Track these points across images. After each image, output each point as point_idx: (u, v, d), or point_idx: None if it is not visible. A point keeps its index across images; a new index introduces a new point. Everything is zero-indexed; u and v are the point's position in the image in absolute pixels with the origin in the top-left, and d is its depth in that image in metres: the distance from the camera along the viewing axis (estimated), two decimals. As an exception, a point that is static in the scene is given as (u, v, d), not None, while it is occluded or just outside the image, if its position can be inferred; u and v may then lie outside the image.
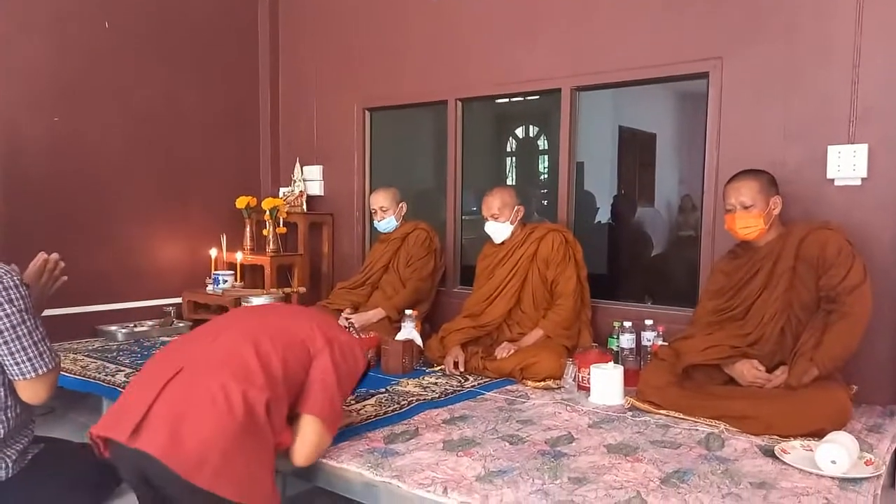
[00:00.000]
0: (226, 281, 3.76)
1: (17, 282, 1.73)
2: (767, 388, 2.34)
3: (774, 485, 1.80)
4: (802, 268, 2.43)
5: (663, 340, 2.86)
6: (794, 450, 2.02)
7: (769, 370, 2.38)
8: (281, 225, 4.07)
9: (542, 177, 4.34)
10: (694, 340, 2.51)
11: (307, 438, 1.81)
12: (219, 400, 1.61)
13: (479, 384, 2.81)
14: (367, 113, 4.21)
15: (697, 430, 2.24)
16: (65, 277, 1.95)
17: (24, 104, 3.40)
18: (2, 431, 1.79)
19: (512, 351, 2.93)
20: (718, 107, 2.95)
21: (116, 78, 3.78)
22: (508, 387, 2.78)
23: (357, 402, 2.51)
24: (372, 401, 2.53)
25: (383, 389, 2.69)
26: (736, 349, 2.44)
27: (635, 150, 4.06)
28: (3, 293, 1.69)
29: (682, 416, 2.34)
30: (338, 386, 1.85)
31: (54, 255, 2.00)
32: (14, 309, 1.71)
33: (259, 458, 1.65)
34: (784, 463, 1.94)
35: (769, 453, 2.02)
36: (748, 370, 2.39)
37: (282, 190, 4.45)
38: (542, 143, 4.46)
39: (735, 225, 2.50)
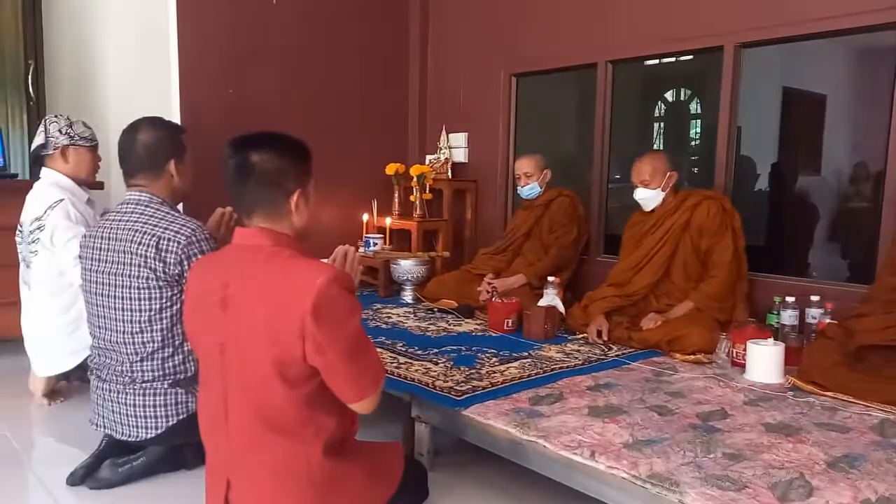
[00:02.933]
0: (376, 244, 3.94)
1: (207, 236, 1.96)
2: (958, 375, 2.10)
3: (964, 479, 1.62)
4: None
5: (831, 318, 2.64)
6: None
7: (961, 355, 2.14)
8: (427, 191, 4.19)
9: (693, 143, 4.11)
10: (870, 319, 2.29)
11: (367, 408, 1.53)
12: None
13: (623, 354, 2.75)
14: (514, 79, 4.19)
15: (870, 415, 2.06)
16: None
17: (203, 77, 3.74)
18: (193, 368, 2.04)
19: (659, 322, 2.84)
20: (911, 60, 2.63)
21: (281, 51, 4.04)
22: (655, 358, 2.70)
23: (501, 364, 2.56)
24: (516, 364, 2.57)
25: (526, 353, 2.72)
26: (921, 331, 2.20)
27: (801, 113, 3.73)
28: (197, 245, 1.93)
29: (851, 399, 2.17)
30: (350, 356, 1.43)
31: (229, 209, 2.23)
32: (206, 259, 1.92)
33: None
34: (977, 457, 1.74)
35: (958, 446, 1.82)
36: (934, 355, 2.15)
37: (428, 157, 4.56)
38: (694, 107, 4.22)
39: (928, 192, 2.24)
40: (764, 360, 2.39)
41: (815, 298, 2.76)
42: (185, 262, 1.94)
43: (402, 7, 4.60)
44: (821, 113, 3.52)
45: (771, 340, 2.45)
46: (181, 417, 2.01)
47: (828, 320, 2.64)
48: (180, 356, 2.01)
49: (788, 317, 2.75)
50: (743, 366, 2.48)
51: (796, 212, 3.53)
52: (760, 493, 1.55)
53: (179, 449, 2.11)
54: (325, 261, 1.60)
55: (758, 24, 3.05)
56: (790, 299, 2.77)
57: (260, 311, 1.42)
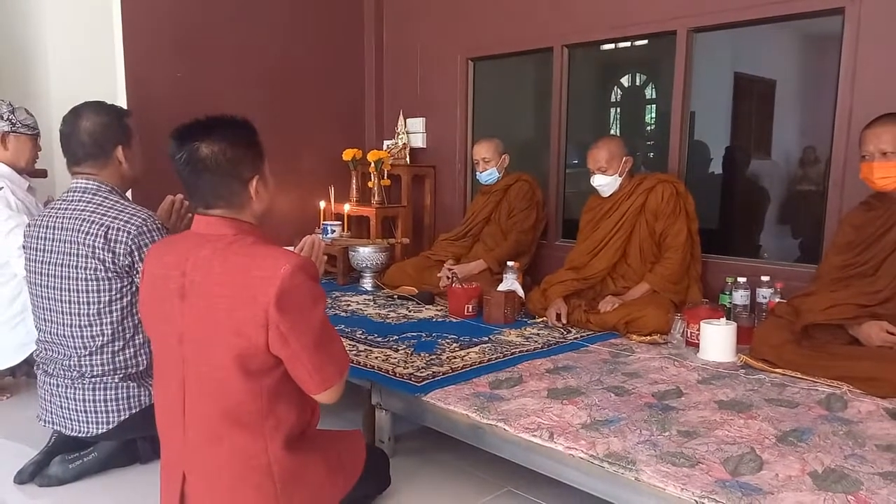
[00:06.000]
0: (334, 231, 3.90)
1: (158, 225, 1.90)
2: (898, 350, 2.18)
3: (905, 449, 1.70)
4: (947, 222, 2.22)
5: (781, 297, 2.72)
6: (929, 415, 1.89)
7: (902, 331, 2.22)
8: (385, 177, 4.16)
9: (648, 128, 4.17)
10: (816, 298, 2.37)
11: (331, 398, 1.51)
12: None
13: (581, 336, 2.79)
14: (471, 63, 4.17)
15: (817, 390, 2.13)
16: (191, 215, 2.10)
17: (150, 59, 3.62)
18: (145, 362, 1.98)
19: (616, 304, 2.88)
20: (854, 46, 2.70)
21: (233, 34, 3.93)
22: (612, 340, 2.74)
23: (461, 349, 2.57)
24: (476, 349, 2.58)
25: (486, 338, 2.73)
26: (864, 308, 2.28)
27: (752, 98, 3.81)
28: (147, 235, 1.87)
29: (799, 375, 2.23)
30: (315, 346, 1.41)
31: (179, 196, 2.17)
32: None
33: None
34: (916, 428, 1.82)
35: (899, 417, 1.90)
36: (877, 333, 2.23)
37: (385, 142, 4.52)
38: (650, 92, 4.27)
39: (872, 174, 2.31)
40: (717, 340, 2.45)
41: (765, 279, 2.84)
42: (136, 253, 1.88)
43: (357, -10, 4.53)
44: (771, 98, 3.60)
45: (723, 320, 2.51)
46: (134, 412, 1.96)
47: (778, 299, 2.72)
48: (131, 350, 1.96)
49: (740, 297, 2.82)
50: (697, 345, 2.53)
51: (748, 194, 3.62)
52: (713, 468, 1.59)
53: (133, 443, 2.06)
54: (288, 249, 1.57)
55: (709, 8, 3.10)
56: (742, 280, 2.85)
57: (221, 300, 1.38)
